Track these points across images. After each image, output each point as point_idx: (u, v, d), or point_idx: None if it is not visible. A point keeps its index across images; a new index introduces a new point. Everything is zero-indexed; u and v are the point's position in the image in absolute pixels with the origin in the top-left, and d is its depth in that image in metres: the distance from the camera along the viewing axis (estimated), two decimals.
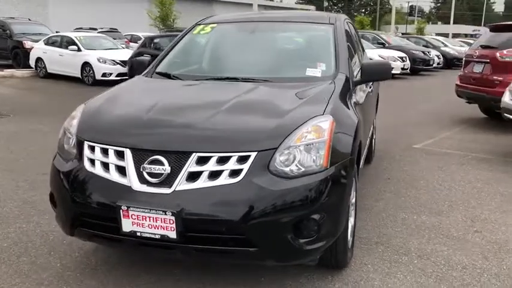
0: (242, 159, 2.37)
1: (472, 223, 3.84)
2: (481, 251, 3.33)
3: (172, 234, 2.34)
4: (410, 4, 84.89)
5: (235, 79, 3.32)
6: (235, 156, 2.37)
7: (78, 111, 2.97)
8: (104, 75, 13.43)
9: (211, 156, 2.38)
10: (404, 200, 4.36)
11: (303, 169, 2.42)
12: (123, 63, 13.40)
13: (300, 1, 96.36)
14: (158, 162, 2.40)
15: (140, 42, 13.06)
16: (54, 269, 3.05)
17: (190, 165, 2.37)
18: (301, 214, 2.38)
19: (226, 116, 2.66)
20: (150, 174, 2.40)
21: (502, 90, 7.29)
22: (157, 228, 2.36)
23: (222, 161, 2.37)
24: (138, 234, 2.40)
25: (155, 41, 12.37)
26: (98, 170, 2.53)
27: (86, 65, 13.43)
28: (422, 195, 4.50)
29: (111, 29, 21.71)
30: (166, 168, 2.38)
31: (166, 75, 3.59)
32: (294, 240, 2.39)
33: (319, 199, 2.41)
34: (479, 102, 8.45)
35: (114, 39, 16.33)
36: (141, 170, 2.41)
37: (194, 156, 2.38)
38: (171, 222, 2.32)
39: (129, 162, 2.46)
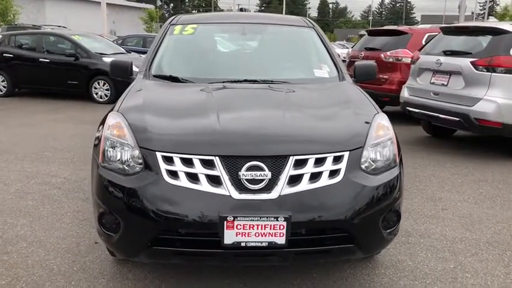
0: (336, 159, 2.44)
1: (434, 203, 4.43)
2: (461, 225, 3.90)
3: (281, 240, 2.30)
4: (240, 7, 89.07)
5: (255, 81, 3.30)
6: (330, 156, 2.43)
7: (116, 119, 2.65)
8: None
9: (308, 159, 2.39)
10: None
11: (384, 164, 2.59)
12: None
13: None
14: (257, 168, 2.33)
15: None
16: None
17: (290, 169, 2.36)
18: (389, 206, 2.54)
19: (300, 117, 2.68)
20: (249, 181, 2.32)
21: (388, 87, 8.40)
22: (265, 236, 2.29)
23: (319, 162, 2.40)
24: (243, 244, 2.29)
25: (17, 38, 10.94)
26: (184, 181, 2.33)
27: None
28: None
29: None
30: (267, 174, 2.32)
31: (172, 79, 3.38)
32: (382, 231, 2.55)
33: (398, 191, 2.62)
34: None
35: None
36: (239, 177, 2.31)
37: (292, 160, 2.37)
38: (282, 228, 2.28)
39: (221, 170, 2.33)
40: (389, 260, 3.25)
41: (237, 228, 2.27)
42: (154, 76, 3.44)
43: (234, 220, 2.25)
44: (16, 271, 2.98)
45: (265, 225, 2.27)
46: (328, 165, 2.41)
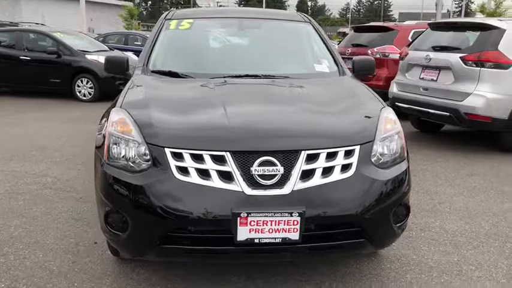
0: (347, 154, 2.41)
1: (430, 197, 4.46)
2: (459, 218, 3.93)
3: (295, 236, 2.27)
4: (219, 4, 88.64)
5: (256, 76, 3.26)
6: (341, 151, 2.40)
7: (120, 115, 2.57)
8: None
9: (319, 153, 2.36)
10: None
11: (393, 158, 2.58)
12: None
13: None
14: (269, 163, 2.29)
15: None
16: None
17: (302, 164, 2.32)
18: (399, 200, 2.54)
19: (309, 112, 2.65)
20: (261, 177, 2.28)
21: (375, 83, 8.43)
22: (279, 232, 2.25)
23: (331, 156, 2.38)
24: (257, 241, 2.25)
25: None
26: (195, 177, 2.27)
27: None
28: None
29: None
30: (279, 169, 2.28)
31: (171, 74, 3.31)
32: (393, 225, 2.54)
33: (407, 184, 2.61)
34: None
35: None
36: (251, 172, 2.27)
37: (304, 154, 2.33)
38: (296, 223, 2.24)
39: (233, 166, 2.28)
40: (393, 254, 3.24)
41: (250, 224, 2.23)
42: (153, 72, 3.37)
43: (247, 216, 2.21)
44: (15, 273, 2.88)
45: (279, 221, 2.24)
46: (340, 160, 2.38)
